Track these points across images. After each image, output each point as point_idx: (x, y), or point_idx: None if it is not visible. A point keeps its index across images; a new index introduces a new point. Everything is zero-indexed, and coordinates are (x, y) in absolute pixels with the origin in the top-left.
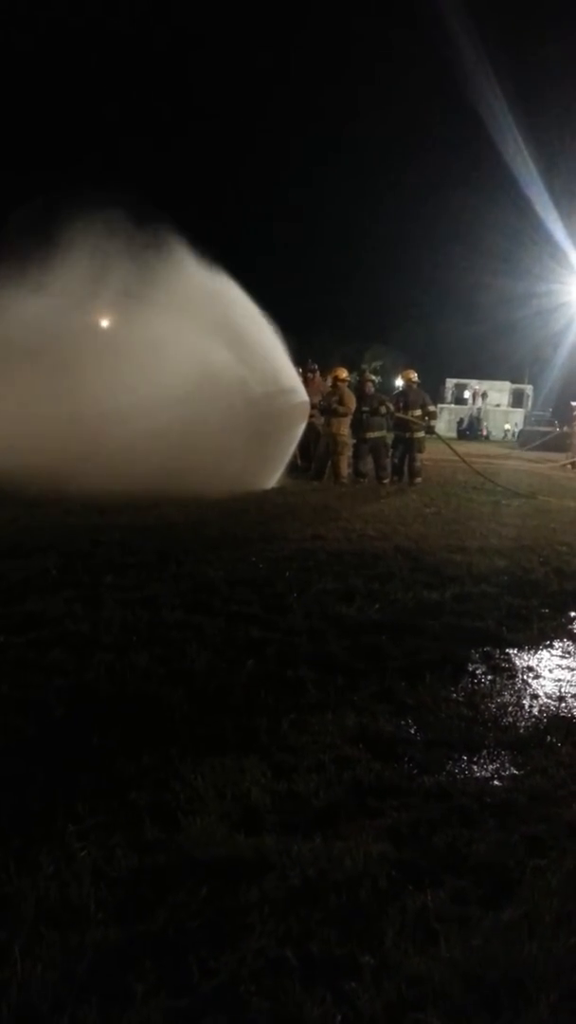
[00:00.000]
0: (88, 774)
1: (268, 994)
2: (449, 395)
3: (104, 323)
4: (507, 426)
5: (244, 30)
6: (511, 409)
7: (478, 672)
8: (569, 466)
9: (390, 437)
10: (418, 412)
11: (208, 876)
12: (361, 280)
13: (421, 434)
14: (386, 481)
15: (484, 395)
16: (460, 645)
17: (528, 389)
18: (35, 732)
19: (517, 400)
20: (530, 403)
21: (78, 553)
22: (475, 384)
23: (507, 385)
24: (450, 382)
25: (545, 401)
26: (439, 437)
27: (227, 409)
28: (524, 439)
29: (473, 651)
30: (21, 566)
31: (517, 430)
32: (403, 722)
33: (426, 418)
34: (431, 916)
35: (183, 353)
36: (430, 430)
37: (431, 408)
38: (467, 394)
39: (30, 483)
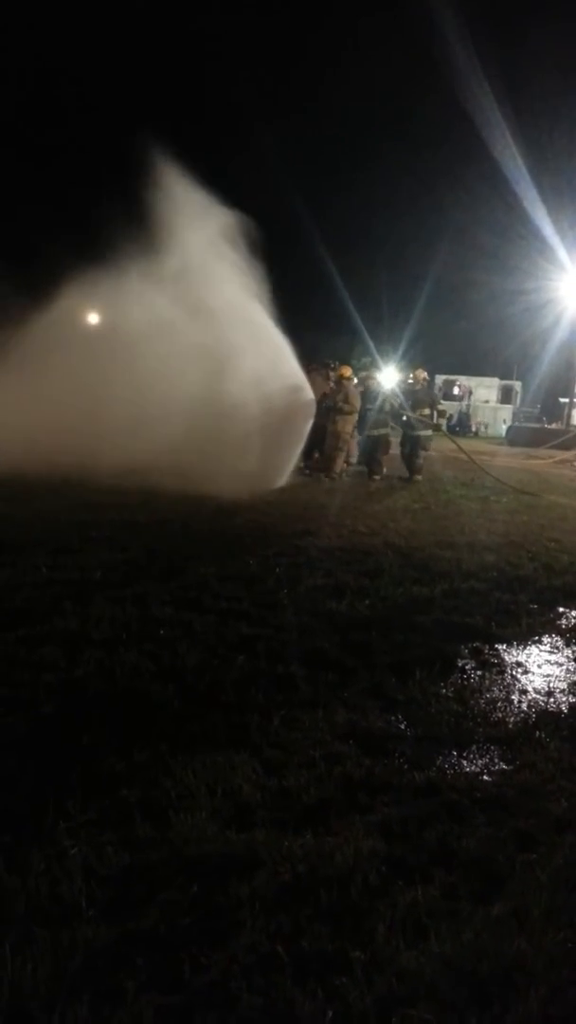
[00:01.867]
0: (79, 771)
1: (259, 990)
2: (438, 392)
3: (96, 317)
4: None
5: (235, 30)
6: (500, 405)
7: (467, 668)
8: (570, 463)
9: (395, 434)
10: (427, 411)
11: (199, 873)
12: (350, 275)
13: (428, 432)
14: (376, 477)
15: (470, 392)
16: (449, 641)
17: (517, 386)
18: (25, 729)
19: (506, 397)
20: (519, 400)
21: (67, 549)
22: (463, 380)
23: (496, 382)
24: (439, 379)
25: (533, 398)
26: (447, 435)
27: (236, 407)
28: (513, 435)
29: (462, 647)
30: (10, 562)
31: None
32: (393, 718)
33: (435, 416)
34: (421, 911)
35: (190, 349)
36: (437, 428)
37: (440, 407)
38: (456, 391)
39: (26, 477)
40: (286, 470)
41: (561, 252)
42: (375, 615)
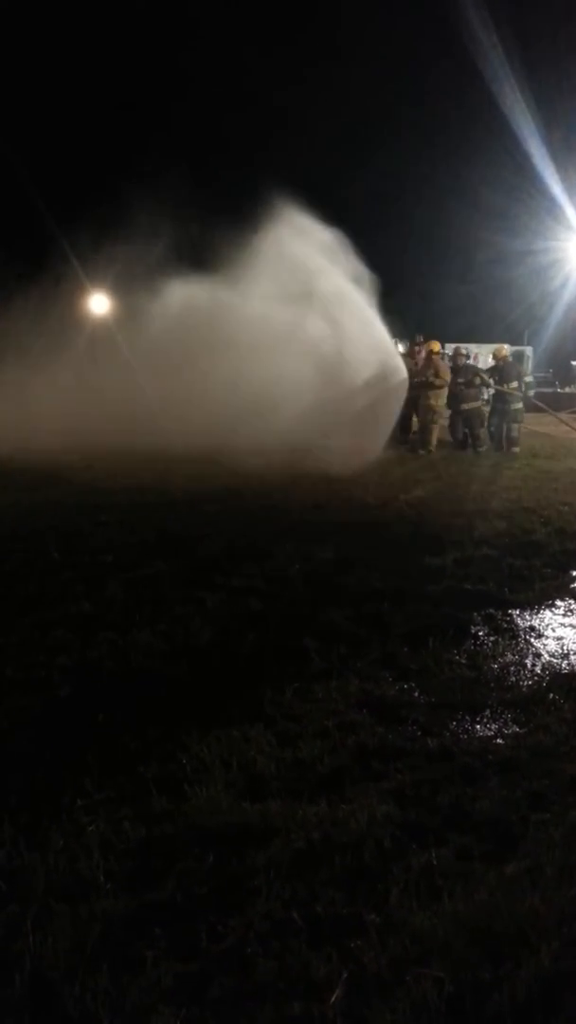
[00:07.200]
0: (95, 750)
1: (275, 955)
2: (448, 360)
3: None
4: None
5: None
6: None
7: (480, 634)
8: None
9: (486, 408)
10: (514, 384)
11: (215, 843)
12: (355, 238)
13: (519, 405)
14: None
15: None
16: (462, 609)
17: (528, 351)
18: (41, 711)
19: (517, 362)
20: (530, 364)
21: (78, 534)
22: (473, 348)
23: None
24: (449, 347)
25: (542, 361)
26: (543, 406)
27: (332, 387)
28: (525, 402)
29: (475, 614)
30: (21, 548)
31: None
32: (406, 686)
33: (523, 389)
34: (435, 873)
35: (285, 333)
36: (527, 400)
37: (527, 379)
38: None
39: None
40: (380, 445)
41: (570, 211)
42: (387, 586)
